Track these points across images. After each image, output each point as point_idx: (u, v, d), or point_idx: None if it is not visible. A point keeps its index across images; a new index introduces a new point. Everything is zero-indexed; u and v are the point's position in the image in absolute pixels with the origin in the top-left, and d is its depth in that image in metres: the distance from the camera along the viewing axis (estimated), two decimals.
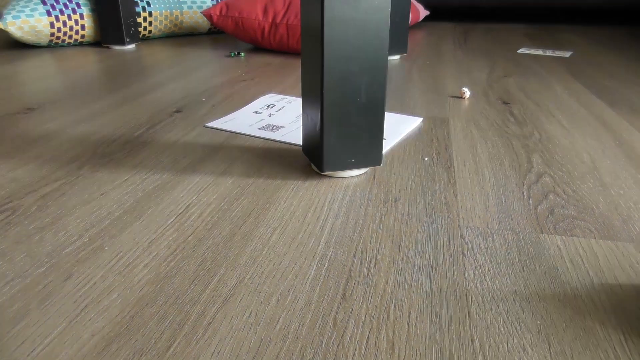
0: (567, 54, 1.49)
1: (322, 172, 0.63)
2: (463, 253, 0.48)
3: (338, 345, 0.37)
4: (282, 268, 0.46)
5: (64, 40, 1.52)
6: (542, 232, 0.52)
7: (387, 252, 0.48)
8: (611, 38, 1.80)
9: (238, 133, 0.80)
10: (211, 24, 1.69)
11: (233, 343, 0.37)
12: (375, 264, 0.46)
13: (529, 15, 2.54)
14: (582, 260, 0.47)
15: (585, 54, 1.50)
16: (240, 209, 0.56)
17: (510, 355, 0.36)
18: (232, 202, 0.58)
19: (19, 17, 1.39)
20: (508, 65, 1.33)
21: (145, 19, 1.60)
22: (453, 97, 1.02)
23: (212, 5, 1.71)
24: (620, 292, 0.43)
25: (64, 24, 1.47)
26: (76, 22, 1.50)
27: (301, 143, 0.73)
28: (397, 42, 1.37)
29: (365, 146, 0.62)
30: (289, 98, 0.99)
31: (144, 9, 1.58)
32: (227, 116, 0.88)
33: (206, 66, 1.29)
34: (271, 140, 0.77)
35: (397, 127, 0.82)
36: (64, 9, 1.46)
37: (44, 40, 1.48)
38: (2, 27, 1.38)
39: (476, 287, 0.43)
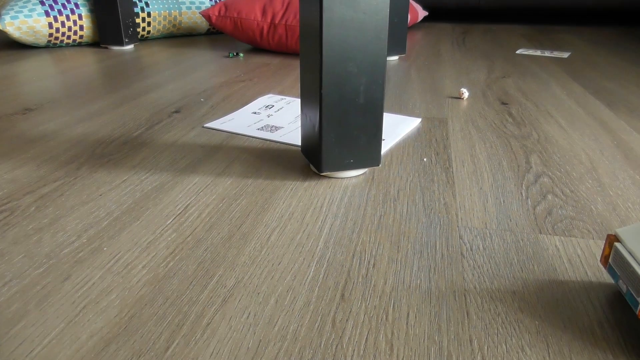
0: (566, 55, 1.49)
1: (321, 172, 0.63)
2: (462, 253, 0.48)
3: (337, 345, 0.37)
4: (280, 268, 0.46)
5: (62, 41, 1.52)
6: (541, 233, 0.52)
7: (385, 252, 0.48)
8: (609, 39, 1.80)
9: (237, 133, 0.80)
10: (210, 25, 1.69)
11: (232, 344, 0.37)
12: (374, 264, 0.46)
13: (527, 16, 2.55)
14: (581, 261, 0.47)
15: (583, 54, 1.50)
16: (239, 209, 0.56)
17: (509, 355, 0.36)
18: (231, 203, 0.58)
19: (17, 17, 1.39)
20: (506, 66, 1.33)
21: (143, 20, 1.60)
22: (452, 97, 1.02)
23: (211, 5, 1.71)
24: (618, 292, 0.43)
25: (62, 24, 1.47)
26: (74, 22, 1.50)
27: (300, 143, 0.73)
28: (396, 43, 1.37)
29: (363, 147, 0.62)
30: (288, 98, 0.99)
31: (142, 9, 1.58)
32: (225, 117, 0.88)
33: (205, 67, 1.29)
34: (270, 140, 0.77)
35: (396, 128, 0.82)
36: (62, 9, 1.46)
37: (42, 40, 1.48)
38: (0, 28, 1.38)
39: (475, 288, 0.43)
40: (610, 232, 0.52)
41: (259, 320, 0.39)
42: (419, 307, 0.41)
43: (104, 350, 0.36)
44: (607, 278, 0.45)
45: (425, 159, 0.70)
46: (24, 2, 1.42)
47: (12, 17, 1.39)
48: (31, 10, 1.41)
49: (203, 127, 0.83)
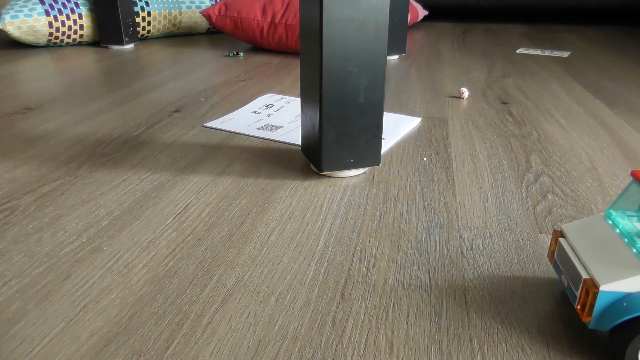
0: (566, 54, 1.49)
1: (321, 172, 0.63)
2: (462, 253, 0.48)
3: (337, 345, 0.37)
4: (280, 268, 0.46)
5: (62, 40, 1.52)
6: (541, 232, 0.52)
7: (385, 252, 0.48)
8: (609, 38, 1.80)
9: (237, 133, 0.80)
10: (210, 24, 1.69)
11: (232, 343, 0.37)
12: (374, 264, 0.46)
13: (527, 15, 2.55)
14: None
15: (583, 54, 1.50)
16: (239, 208, 0.56)
17: (509, 354, 0.36)
18: (231, 202, 0.58)
19: (17, 16, 1.39)
20: (507, 65, 1.33)
21: (143, 19, 1.60)
22: (452, 97, 1.02)
23: (211, 5, 1.71)
24: None
25: (63, 23, 1.47)
26: (74, 21, 1.50)
27: (300, 143, 0.73)
28: (396, 42, 1.37)
29: (364, 146, 0.62)
30: (288, 98, 0.99)
31: (142, 8, 1.58)
32: (225, 116, 0.88)
33: (205, 66, 1.29)
34: (270, 140, 0.77)
35: (396, 127, 0.82)
36: (62, 8, 1.46)
37: (42, 40, 1.47)
38: (0, 27, 1.38)
39: (475, 287, 0.43)
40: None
41: (259, 320, 0.39)
42: (419, 306, 0.41)
43: (104, 349, 0.36)
44: None
45: (425, 159, 0.70)
46: (24, 2, 1.42)
47: (12, 17, 1.39)
48: (31, 9, 1.41)
49: (203, 126, 0.83)
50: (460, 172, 0.66)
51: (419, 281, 0.44)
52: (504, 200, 0.58)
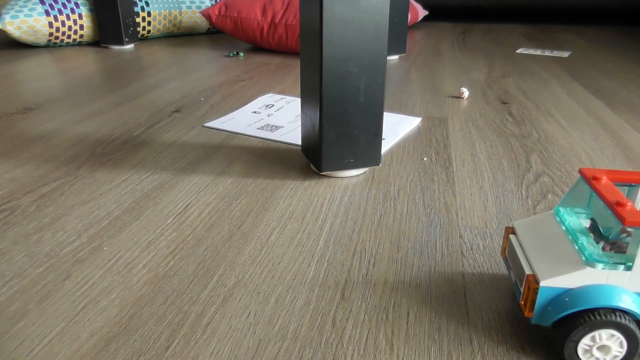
0: (566, 54, 1.49)
1: (321, 172, 0.63)
2: (462, 253, 0.48)
3: (337, 345, 0.37)
4: (281, 268, 0.46)
5: (62, 40, 1.52)
6: None
7: (385, 252, 0.48)
8: (609, 38, 1.80)
9: (237, 133, 0.80)
10: (210, 24, 1.69)
11: (232, 343, 0.37)
12: (374, 264, 0.46)
13: (527, 15, 2.55)
14: None
15: (583, 54, 1.50)
16: (239, 209, 0.56)
17: (509, 354, 0.36)
18: (231, 202, 0.58)
19: (17, 16, 1.39)
20: (507, 65, 1.33)
21: (144, 19, 1.60)
22: (452, 97, 1.02)
23: (211, 5, 1.71)
24: None
25: (63, 23, 1.47)
26: (75, 21, 1.50)
27: (300, 143, 0.73)
28: (396, 42, 1.37)
29: (364, 146, 0.62)
30: (288, 98, 0.99)
31: (142, 8, 1.58)
32: (225, 116, 0.88)
33: (205, 66, 1.29)
34: (270, 140, 0.77)
35: (396, 127, 0.82)
36: (62, 8, 1.46)
37: (43, 40, 1.48)
38: (1, 27, 1.38)
39: (475, 287, 0.43)
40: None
41: (259, 320, 0.39)
42: (419, 306, 0.41)
43: (104, 349, 0.36)
44: None
45: (425, 159, 0.70)
46: (24, 2, 1.42)
47: (12, 17, 1.39)
48: (31, 9, 1.41)
49: (203, 126, 0.83)
50: (460, 172, 0.66)
51: (419, 281, 0.44)
52: (504, 200, 0.58)
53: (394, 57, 1.41)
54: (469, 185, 0.62)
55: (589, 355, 0.34)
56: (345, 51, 0.57)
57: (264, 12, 1.39)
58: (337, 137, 0.61)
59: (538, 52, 1.52)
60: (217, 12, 1.45)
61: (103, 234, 0.51)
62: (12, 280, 0.44)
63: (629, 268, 0.33)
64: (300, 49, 0.64)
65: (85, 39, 1.56)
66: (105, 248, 0.48)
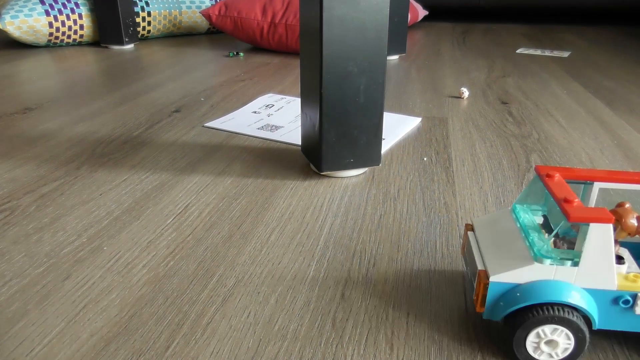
0: (566, 54, 1.49)
1: (321, 172, 0.63)
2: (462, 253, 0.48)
3: (337, 345, 0.37)
4: (280, 268, 0.46)
5: (62, 40, 1.52)
6: None
7: (385, 252, 0.48)
8: (609, 38, 1.80)
9: (237, 133, 0.80)
10: (210, 24, 1.69)
11: (232, 343, 0.37)
12: (374, 264, 0.46)
13: (527, 15, 2.55)
14: None
15: (583, 54, 1.50)
16: (239, 208, 0.56)
17: (509, 354, 0.36)
18: (231, 202, 0.58)
19: (17, 16, 1.39)
20: (507, 65, 1.33)
21: (144, 19, 1.60)
22: (452, 97, 1.02)
23: (211, 5, 1.71)
24: None
25: (63, 23, 1.47)
26: (75, 21, 1.50)
27: (300, 143, 0.73)
28: (396, 42, 1.37)
29: (364, 146, 0.62)
30: (288, 98, 0.99)
31: (142, 8, 1.58)
32: (225, 116, 0.88)
33: (205, 66, 1.29)
34: (270, 140, 0.77)
35: (396, 127, 0.82)
36: (62, 8, 1.46)
37: (43, 40, 1.48)
38: (0, 27, 1.38)
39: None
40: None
41: (259, 320, 0.39)
42: (419, 306, 0.41)
43: (104, 349, 0.36)
44: None
45: (425, 159, 0.70)
46: (24, 2, 1.42)
47: (12, 17, 1.39)
48: (31, 9, 1.41)
49: (203, 126, 0.83)
50: (460, 172, 0.66)
51: (419, 281, 0.44)
52: (504, 200, 0.58)
53: (394, 57, 1.41)
54: (469, 185, 0.62)
55: (537, 350, 0.34)
56: (345, 51, 0.57)
57: (264, 12, 1.39)
58: (337, 137, 0.61)
59: (538, 52, 1.52)
60: (217, 12, 1.45)
61: (103, 234, 0.51)
62: (12, 280, 0.44)
63: (576, 264, 0.33)
64: (300, 49, 0.64)
65: (85, 39, 1.56)
66: (105, 248, 0.48)
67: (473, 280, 0.37)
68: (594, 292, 0.33)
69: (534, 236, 0.35)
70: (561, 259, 0.33)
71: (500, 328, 0.38)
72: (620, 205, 0.36)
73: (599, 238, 0.32)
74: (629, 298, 0.33)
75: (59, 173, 0.65)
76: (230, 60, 1.37)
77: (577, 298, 0.33)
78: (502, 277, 0.34)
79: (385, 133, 0.80)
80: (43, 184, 0.62)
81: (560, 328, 0.33)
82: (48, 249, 0.48)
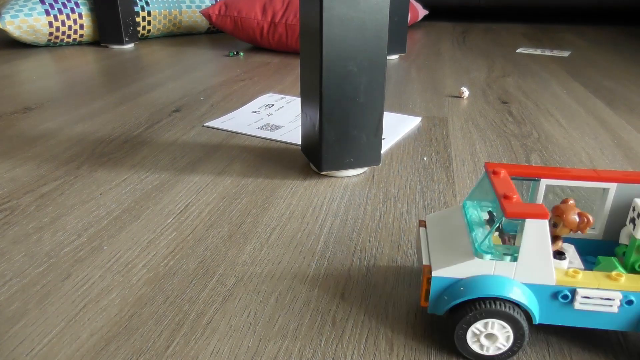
0: (566, 54, 1.49)
1: (321, 171, 0.63)
2: None
3: (337, 344, 0.37)
4: (280, 268, 0.46)
5: (62, 40, 1.52)
6: None
7: (385, 251, 0.48)
8: (609, 38, 1.80)
9: (237, 132, 0.80)
10: (210, 24, 1.69)
11: (232, 342, 0.37)
12: (374, 263, 0.46)
13: (527, 15, 2.55)
14: None
15: (583, 53, 1.50)
16: (239, 208, 0.56)
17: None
18: (231, 202, 0.58)
19: (17, 16, 1.39)
20: (507, 65, 1.33)
21: (144, 19, 1.60)
22: (452, 96, 1.02)
23: (211, 4, 1.71)
24: None
25: (63, 23, 1.47)
26: (75, 21, 1.49)
27: (300, 142, 0.73)
28: (396, 42, 1.37)
29: (364, 146, 0.62)
30: (288, 97, 0.99)
31: (142, 8, 1.58)
32: (225, 116, 0.88)
33: (205, 66, 1.29)
34: (270, 139, 0.77)
35: (396, 127, 0.82)
36: (62, 8, 1.46)
37: (43, 39, 1.47)
38: (1, 27, 1.38)
39: None
40: None
41: (259, 319, 0.39)
42: (419, 306, 0.41)
43: (104, 349, 0.36)
44: None
45: (425, 158, 0.70)
46: (24, 1, 1.42)
47: (12, 16, 1.39)
48: (31, 9, 1.41)
49: (203, 126, 0.83)
50: (461, 171, 0.66)
51: (419, 281, 0.44)
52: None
53: (394, 57, 1.41)
54: (469, 185, 0.62)
55: (477, 343, 0.34)
56: (345, 51, 0.57)
57: (264, 11, 1.39)
58: (337, 137, 0.61)
59: (538, 52, 1.52)
60: (217, 12, 1.45)
61: (103, 234, 0.51)
62: (12, 279, 0.44)
63: (515, 259, 0.33)
64: (300, 49, 0.64)
65: (85, 38, 1.56)
66: (105, 248, 0.48)
67: (421, 275, 0.37)
68: (533, 287, 0.34)
69: (478, 232, 0.36)
70: (501, 254, 0.34)
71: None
72: (565, 201, 0.36)
73: (535, 233, 0.32)
74: (568, 293, 0.33)
75: (59, 173, 0.65)
76: (230, 60, 1.37)
77: (515, 293, 0.33)
78: (444, 271, 0.34)
79: (385, 133, 0.80)
80: (43, 183, 0.62)
81: (499, 322, 0.33)
82: (48, 249, 0.48)
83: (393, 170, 0.66)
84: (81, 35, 1.54)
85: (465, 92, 1.01)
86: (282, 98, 0.99)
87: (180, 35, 1.77)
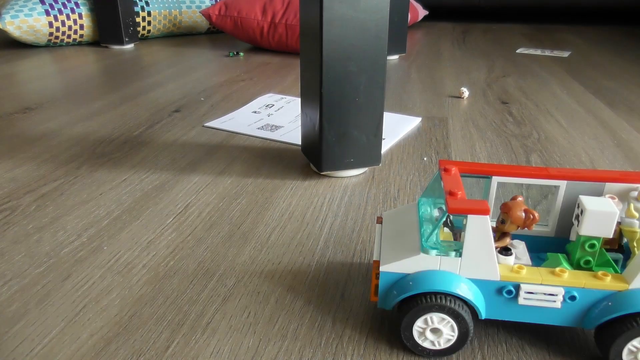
0: (566, 54, 1.49)
1: (321, 171, 0.63)
2: None
3: (337, 345, 0.37)
4: (280, 268, 0.46)
5: (62, 40, 1.52)
6: None
7: None
8: (609, 38, 1.80)
9: (237, 133, 0.80)
10: (210, 24, 1.69)
11: (232, 343, 0.37)
12: None
13: (527, 15, 2.55)
14: None
15: (583, 54, 1.50)
16: (239, 208, 0.56)
17: (509, 354, 0.36)
18: (231, 202, 0.58)
19: (17, 16, 1.39)
20: (507, 65, 1.33)
21: (144, 19, 1.60)
22: (452, 96, 1.02)
23: (211, 4, 1.71)
24: None
25: (63, 23, 1.47)
26: (75, 21, 1.50)
27: (300, 143, 0.73)
28: (396, 42, 1.37)
29: (364, 146, 0.62)
30: (288, 98, 0.99)
31: (142, 8, 1.58)
32: (225, 116, 0.88)
33: (205, 66, 1.29)
34: (270, 140, 0.77)
35: (396, 127, 0.82)
36: (62, 8, 1.46)
37: (43, 39, 1.48)
38: (1, 27, 1.38)
39: None
40: None
41: (259, 320, 0.39)
42: None
43: (104, 349, 0.36)
44: None
45: (425, 158, 0.70)
46: (24, 1, 1.42)
47: (13, 16, 1.39)
48: (31, 9, 1.41)
49: (203, 126, 0.83)
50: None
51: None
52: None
53: (394, 57, 1.41)
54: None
55: (422, 337, 0.35)
56: (345, 51, 0.57)
57: (264, 11, 1.39)
58: (337, 137, 0.61)
59: (538, 52, 1.52)
60: (217, 12, 1.45)
61: (103, 234, 0.51)
62: (12, 280, 0.44)
63: (460, 254, 0.34)
64: (300, 49, 0.64)
65: (85, 38, 1.56)
66: (105, 248, 0.48)
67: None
68: (478, 282, 0.34)
69: (427, 228, 0.36)
70: (446, 249, 0.34)
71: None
72: (513, 198, 0.36)
73: (477, 229, 0.33)
74: (512, 288, 0.34)
75: (59, 173, 0.65)
76: (230, 60, 1.37)
77: (459, 288, 0.33)
78: (392, 267, 0.35)
79: (385, 133, 0.80)
80: (43, 183, 0.62)
81: (443, 316, 0.34)
82: (48, 249, 0.48)
83: (393, 171, 0.66)
84: (81, 36, 1.54)
85: (465, 93, 1.01)
86: (282, 98, 0.99)
87: (180, 36, 1.77)
